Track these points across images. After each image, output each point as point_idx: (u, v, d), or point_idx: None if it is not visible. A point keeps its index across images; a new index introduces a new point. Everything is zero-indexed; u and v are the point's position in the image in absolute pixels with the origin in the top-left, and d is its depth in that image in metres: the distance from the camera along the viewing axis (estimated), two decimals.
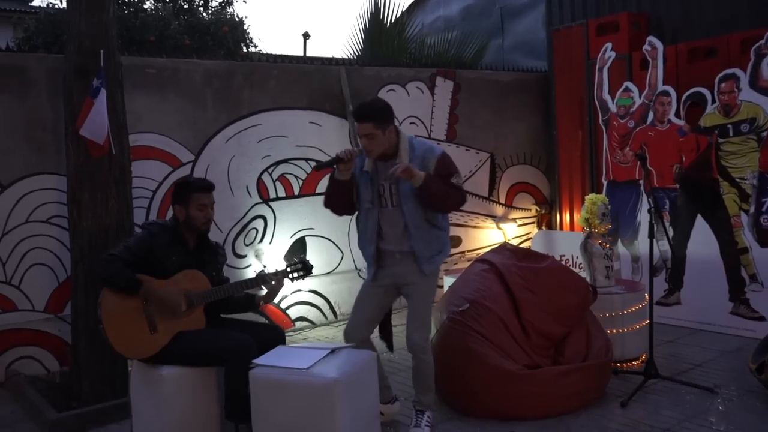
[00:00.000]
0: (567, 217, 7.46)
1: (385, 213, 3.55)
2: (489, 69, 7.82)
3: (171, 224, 3.65)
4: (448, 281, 5.59)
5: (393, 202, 3.54)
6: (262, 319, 5.93)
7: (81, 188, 4.37)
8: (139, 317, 3.43)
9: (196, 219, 3.62)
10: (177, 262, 3.56)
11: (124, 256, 3.42)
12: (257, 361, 3.27)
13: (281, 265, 3.90)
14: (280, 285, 3.75)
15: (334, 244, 6.41)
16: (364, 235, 3.63)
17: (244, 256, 5.99)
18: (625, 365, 4.65)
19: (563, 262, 6.33)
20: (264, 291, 3.83)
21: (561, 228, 7.50)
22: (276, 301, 6.09)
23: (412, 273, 3.56)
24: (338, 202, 3.63)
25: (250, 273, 5.91)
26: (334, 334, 5.97)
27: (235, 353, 3.37)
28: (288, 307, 6.22)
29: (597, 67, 6.62)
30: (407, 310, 3.63)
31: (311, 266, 3.84)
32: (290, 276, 3.78)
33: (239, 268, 5.92)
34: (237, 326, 3.68)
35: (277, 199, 6.19)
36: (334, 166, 3.51)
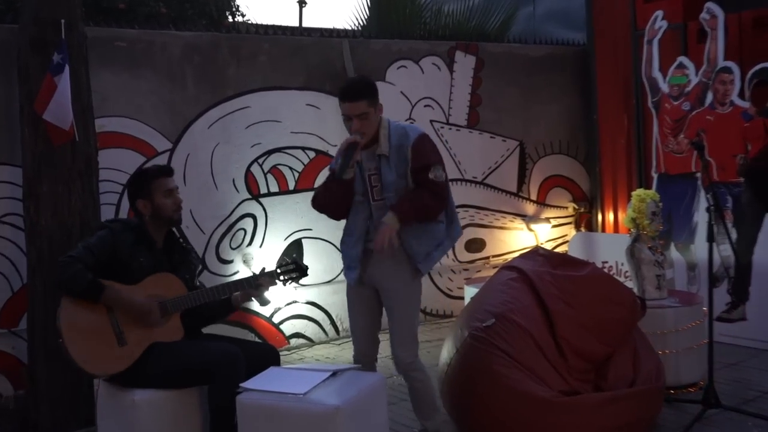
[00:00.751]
0: (610, 216, 7.43)
1: (375, 207, 3.60)
2: (518, 42, 7.79)
3: (135, 222, 3.68)
4: (470, 292, 5.58)
5: (375, 195, 3.59)
6: (252, 336, 5.94)
7: (39, 181, 4.38)
8: (105, 328, 3.44)
9: (166, 207, 3.65)
10: (145, 264, 3.58)
11: (84, 258, 3.43)
12: (246, 384, 3.27)
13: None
14: (266, 288, 3.77)
15: (336, 248, 6.40)
16: (351, 233, 3.64)
17: (231, 262, 6.00)
18: (679, 392, 4.62)
19: (606, 270, 6.30)
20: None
21: (603, 230, 7.47)
22: (268, 314, 6.10)
23: (397, 274, 3.57)
24: (343, 204, 3.62)
25: None
26: (336, 353, 5.96)
27: (220, 366, 3.37)
28: (281, 322, 6.23)
29: (645, 39, 6.59)
30: (390, 324, 3.64)
31: (306, 267, 3.84)
32: (281, 278, 3.78)
33: (224, 276, 5.92)
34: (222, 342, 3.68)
35: (269, 194, 6.19)
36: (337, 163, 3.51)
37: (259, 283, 3.73)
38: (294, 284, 3.89)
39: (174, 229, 3.83)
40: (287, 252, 6.20)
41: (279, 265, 3.81)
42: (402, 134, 3.56)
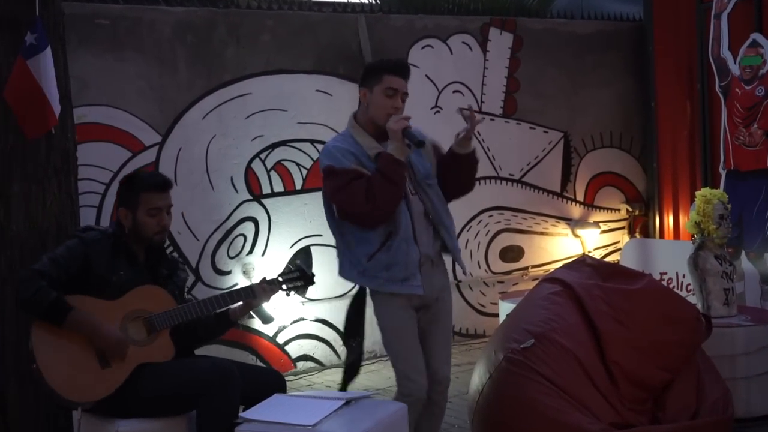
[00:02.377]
0: (670, 220, 7.40)
1: (413, 202, 3.68)
2: (562, 17, 7.79)
3: (112, 230, 3.71)
4: (505, 308, 5.58)
5: (412, 188, 3.70)
6: (253, 359, 5.97)
7: (9, 180, 4.43)
8: (85, 349, 3.47)
9: (147, 227, 3.67)
10: (125, 278, 3.60)
11: (48, 272, 3.47)
12: (246, 414, 3.30)
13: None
14: (266, 298, 3.80)
15: None
16: (396, 236, 3.61)
17: (229, 273, 6.03)
18: (750, 425, 4.60)
19: (664, 283, 6.28)
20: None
21: (661, 236, 7.44)
22: (271, 334, 6.13)
23: (444, 285, 3.82)
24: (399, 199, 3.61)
25: None
26: None
27: (210, 383, 3.41)
28: (287, 343, 6.26)
29: (713, 13, 6.56)
30: (431, 338, 3.75)
31: (312, 275, 3.87)
32: (283, 288, 3.82)
33: (221, 289, 5.94)
34: None
35: (273, 195, 6.22)
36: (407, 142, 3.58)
37: (258, 293, 3.75)
38: (298, 295, 3.92)
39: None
40: (293, 261, 6.21)
41: (281, 273, 3.85)
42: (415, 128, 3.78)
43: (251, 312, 3.86)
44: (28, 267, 3.56)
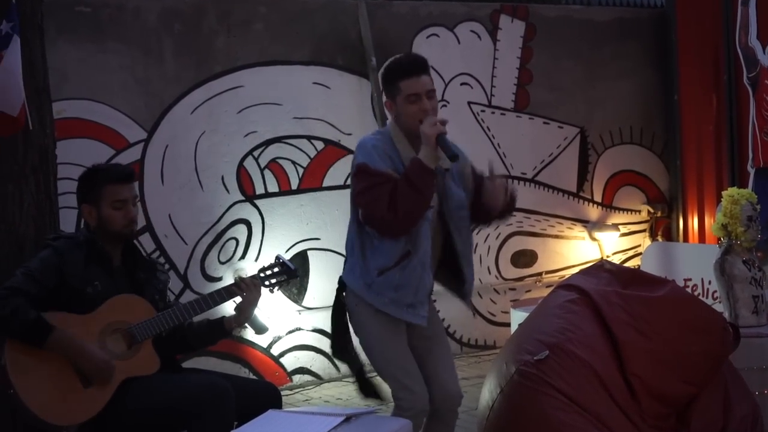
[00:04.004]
0: (694, 222, 7.41)
1: (434, 232, 3.67)
2: (578, 3, 7.79)
3: (83, 236, 3.71)
4: (517, 317, 5.58)
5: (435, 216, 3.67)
6: (246, 372, 5.97)
7: None
8: (64, 368, 3.47)
9: (113, 221, 3.67)
10: (101, 288, 3.60)
11: (26, 289, 3.47)
12: (239, 431, 3.31)
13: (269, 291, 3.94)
14: (253, 297, 3.80)
15: None
16: (414, 256, 3.58)
17: (219, 279, 6.03)
18: None
19: (689, 290, 6.28)
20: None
21: (685, 239, 7.44)
22: (265, 345, 6.13)
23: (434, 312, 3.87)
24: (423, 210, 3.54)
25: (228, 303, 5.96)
26: (350, 394, 5.98)
27: (202, 403, 3.41)
28: (282, 354, 6.26)
29: None
30: (434, 354, 3.76)
31: (296, 269, 3.88)
32: (264, 283, 3.83)
33: None
34: None
35: (267, 195, 6.23)
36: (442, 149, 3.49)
37: (242, 289, 3.75)
38: (282, 292, 3.95)
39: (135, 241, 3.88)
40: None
41: (261, 269, 3.87)
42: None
43: (229, 300, 3.87)
44: (3, 285, 3.54)
